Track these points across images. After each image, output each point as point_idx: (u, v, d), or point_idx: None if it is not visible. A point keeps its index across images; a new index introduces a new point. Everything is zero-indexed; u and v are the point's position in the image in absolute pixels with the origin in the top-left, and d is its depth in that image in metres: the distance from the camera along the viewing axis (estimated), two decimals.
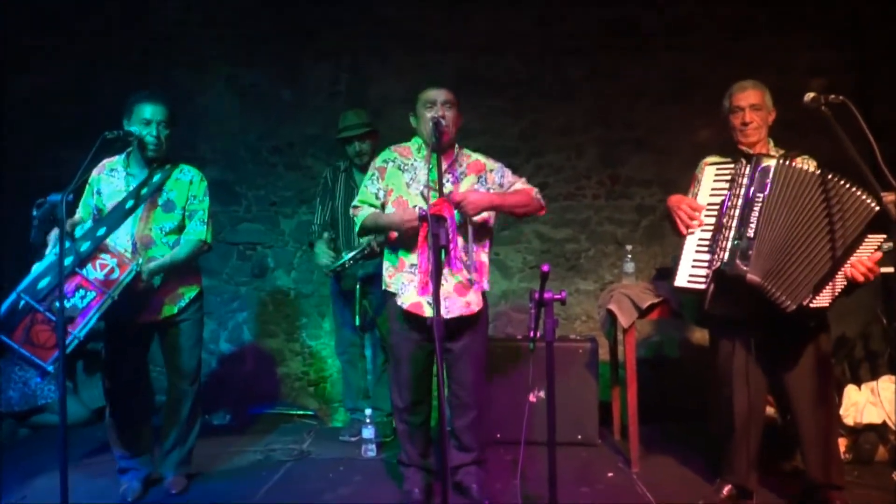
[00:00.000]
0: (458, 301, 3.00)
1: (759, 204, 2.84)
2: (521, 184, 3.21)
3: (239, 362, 5.08)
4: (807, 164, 3.04)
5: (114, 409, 3.36)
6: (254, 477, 3.62)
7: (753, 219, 2.84)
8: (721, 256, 2.86)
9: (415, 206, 2.97)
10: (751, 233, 2.83)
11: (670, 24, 4.92)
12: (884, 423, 3.54)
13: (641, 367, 3.94)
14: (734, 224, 2.87)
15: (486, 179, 3.16)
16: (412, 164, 3.12)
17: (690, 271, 2.94)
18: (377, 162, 3.20)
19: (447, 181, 3.04)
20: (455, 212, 2.90)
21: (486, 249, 3.17)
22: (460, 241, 2.99)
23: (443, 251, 2.61)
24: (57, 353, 2.79)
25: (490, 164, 3.21)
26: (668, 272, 3.82)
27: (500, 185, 3.18)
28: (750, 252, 2.81)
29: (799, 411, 3.03)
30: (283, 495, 3.40)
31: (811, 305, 2.79)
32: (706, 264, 2.91)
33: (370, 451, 3.91)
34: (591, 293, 4.93)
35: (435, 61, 4.89)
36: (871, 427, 3.57)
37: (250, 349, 5.09)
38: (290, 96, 5.06)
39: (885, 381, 3.59)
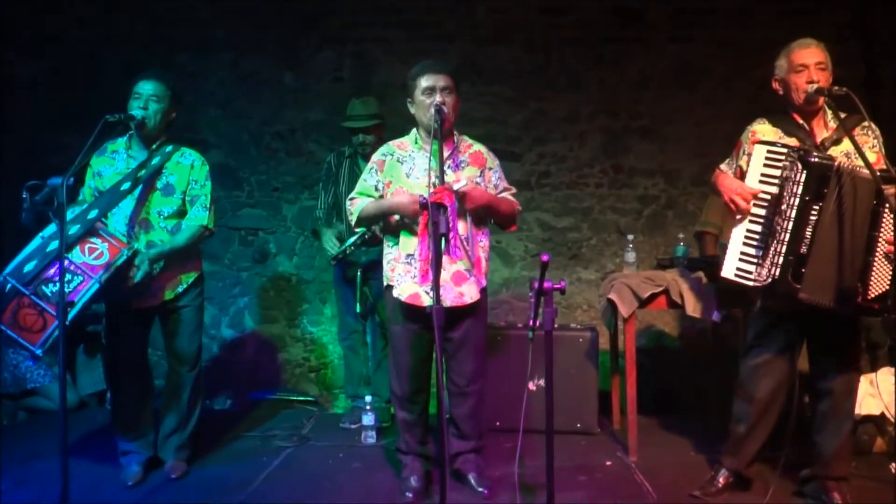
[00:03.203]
0: (452, 291, 2.99)
1: (815, 216, 2.73)
2: (509, 194, 3.22)
3: (240, 348, 5.09)
4: (867, 132, 2.93)
5: (114, 392, 3.37)
6: (253, 462, 3.63)
7: (808, 233, 2.73)
8: (773, 272, 2.76)
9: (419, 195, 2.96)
10: (804, 249, 2.73)
11: (675, 14, 4.89)
12: (882, 415, 3.55)
13: (641, 356, 3.96)
14: (787, 238, 2.75)
15: (484, 176, 3.14)
16: (410, 155, 3.12)
17: (738, 264, 2.86)
18: (376, 156, 3.20)
19: (448, 168, 3.03)
20: (455, 200, 2.89)
21: (484, 244, 3.15)
22: (460, 228, 2.99)
23: (443, 239, 2.61)
24: (44, 337, 2.78)
25: (490, 160, 3.20)
26: (670, 262, 3.85)
27: (496, 186, 3.19)
28: (803, 270, 2.73)
29: (825, 396, 2.99)
30: (282, 481, 3.42)
31: (870, 297, 2.73)
32: (754, 260, 2.82)
33: (370, 437, 3.92)
34: (593, 282, 4.93)
35: (440, 49, 4.86)
36: (869, 418, 3.58)
37: (251, 335, 5.10)
38: (293, 81, 5.05)
39: (884, 373, 3.59)
